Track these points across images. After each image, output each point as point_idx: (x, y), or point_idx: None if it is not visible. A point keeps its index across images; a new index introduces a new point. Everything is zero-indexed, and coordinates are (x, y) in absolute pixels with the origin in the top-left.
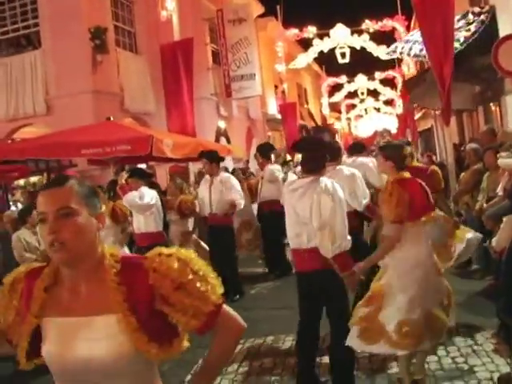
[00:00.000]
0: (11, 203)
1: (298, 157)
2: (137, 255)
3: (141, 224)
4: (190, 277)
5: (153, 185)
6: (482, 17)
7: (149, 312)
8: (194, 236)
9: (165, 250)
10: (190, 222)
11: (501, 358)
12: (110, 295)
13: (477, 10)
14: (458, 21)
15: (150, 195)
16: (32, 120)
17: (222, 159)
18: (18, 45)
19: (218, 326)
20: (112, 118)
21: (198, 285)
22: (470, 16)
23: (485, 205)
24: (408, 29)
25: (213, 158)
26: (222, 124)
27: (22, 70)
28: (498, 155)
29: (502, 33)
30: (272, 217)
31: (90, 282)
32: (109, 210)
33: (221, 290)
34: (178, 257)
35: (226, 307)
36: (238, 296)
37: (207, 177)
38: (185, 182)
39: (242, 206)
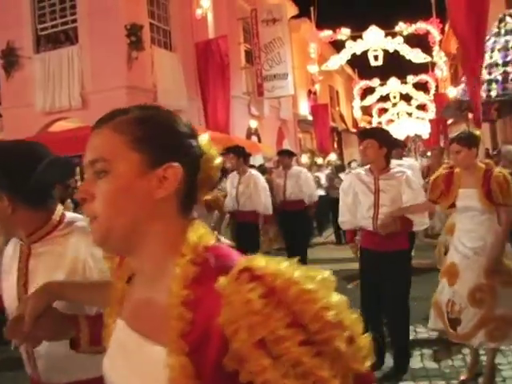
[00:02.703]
0: None
1: (330, 159)
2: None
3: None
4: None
5: None
6: None
7: (214, 367)
8: (216, 233)
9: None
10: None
11: None
12: (167, 317)
13: None
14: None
15: None
16: (67, 114)
17: (249, 155)
18: (56, 40)
19: None
20: None
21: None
22: (508, 19)
23: None
24: (442, 32)
25: (239, 153)
26: (253, 123)
27: (60, 65)
28: None
29: None
30: (296, 216)
31: (151, 284)
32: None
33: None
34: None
35: None
36: None
37: (235, 173)
38: None
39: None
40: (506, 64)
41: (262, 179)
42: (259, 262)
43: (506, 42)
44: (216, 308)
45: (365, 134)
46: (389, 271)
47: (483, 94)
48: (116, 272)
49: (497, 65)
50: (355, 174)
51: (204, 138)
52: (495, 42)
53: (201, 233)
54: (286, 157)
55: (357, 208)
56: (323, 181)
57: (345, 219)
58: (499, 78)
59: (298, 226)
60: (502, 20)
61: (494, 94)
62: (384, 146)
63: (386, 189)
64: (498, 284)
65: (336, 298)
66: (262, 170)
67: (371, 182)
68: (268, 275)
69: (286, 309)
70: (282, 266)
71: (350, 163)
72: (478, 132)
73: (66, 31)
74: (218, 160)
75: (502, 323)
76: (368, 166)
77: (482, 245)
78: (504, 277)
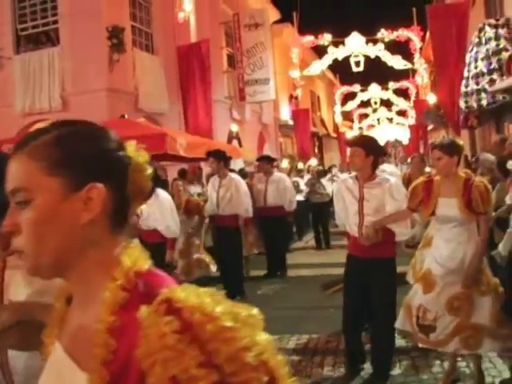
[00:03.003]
0: None
1: (311, 164)
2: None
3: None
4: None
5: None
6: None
7: None
8: (198, 241)
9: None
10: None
11: (504, 363)
12: (92, 343)
13: (493, 22)
14: (476, 36)
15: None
16: (47, 115)
17: (230, 159)
18: (37, 41)
19: None
20: (126, 116)
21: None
22: (487, 28)
23: (493, 213)
24: (423, 40)
25: (220, 157)
26: (234, 127)
27: (40, 66)
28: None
29: None
30: (276, 221)
31: (84, 309)
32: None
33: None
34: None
35: None
36: (238, 297)
37: (215, 177)
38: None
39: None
40: (490, 72)
41: (243, 183)
42: (181, 293)
43: (487, 50)
44: (137, 338)
45: (352, 143)
46: (375, 278)
47: (474, 104)
48: (57, 292)
49: (483, 74)
50: (343, 180)
51: (132, 148)
52: (477, 51)
53: (135, 257)
54: (265, 163)
55: (347, 213)
56: (302, 186)
57: (340, 222)
58: (487, 86)
59: (278, 231)
60: (481, 29)
61: (484, 102)
62: (371, 155)
63: (369, 198)
64: (475, 293)
65: (261, 337)
66: (243, 174)
67: (356, 189)
68: (187, 308)
69: (201, 346)
70: (205, 300)
71: (330, 168)
72: (461, 141)
73: (46, 32)
74: (149, 170)
75: (476, 332)
76: (354, 174)
77: (461, 255)
78: (482, 286)
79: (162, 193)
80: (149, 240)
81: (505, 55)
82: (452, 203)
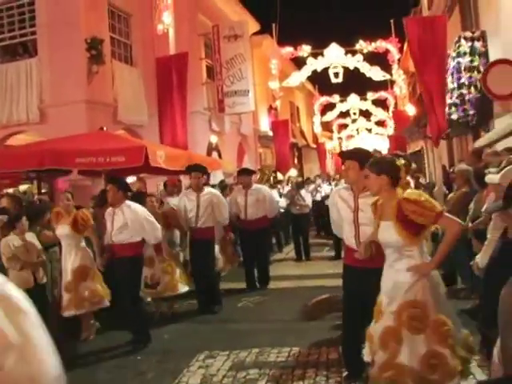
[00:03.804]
0: None
1: (290, 175)
2: None
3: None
4: None
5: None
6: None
7: None
8: (173, 250)
9: None
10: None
11: (483, 373)
12: None
13: (468, 34)
14: (453, 49)
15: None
16: (25, 127)
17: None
18: (14, 52)
19: None
20: (105, 129)
21: None
22: (463, 41)
23: (470, 224)
24: (401, 51)
25: (204, 172)
26: (213, 139)
27: (18, 77)
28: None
29: (492, 57)
30: (257, 234)
31: None
32: (71, 218)
33: None
34: None
35: None
36: (217, 307)
37: (190, 191)
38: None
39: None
40: (460, 87)
41: (220, 196)
42: None
43: (459, 63)
44: None
45: (346, 156)
46: (374, 289)
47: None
48: None
49: (453, 89)
50: (337, 191)
51: None
52: (453, 66)
53: None
54: (244, 175)
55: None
56: (277, 198)
57: (336, 231)
58: (457, 101)
59: (259, 243)
60: (456, 42)
61: (455, 117)
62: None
63: (364, 208)
64: (406, 328)
65: None
66: (223, 186)
67: (351, 199)
68: None
69: None
70: None
71: (307, 179)
72: (400, 161)
73: (24, 43)
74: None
75: (399, 373)
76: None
77: (391, 285)
78: (414, 322)
79: (133, 204)
80: (122, 254)
81: (476, 75)
82: (389, 226)
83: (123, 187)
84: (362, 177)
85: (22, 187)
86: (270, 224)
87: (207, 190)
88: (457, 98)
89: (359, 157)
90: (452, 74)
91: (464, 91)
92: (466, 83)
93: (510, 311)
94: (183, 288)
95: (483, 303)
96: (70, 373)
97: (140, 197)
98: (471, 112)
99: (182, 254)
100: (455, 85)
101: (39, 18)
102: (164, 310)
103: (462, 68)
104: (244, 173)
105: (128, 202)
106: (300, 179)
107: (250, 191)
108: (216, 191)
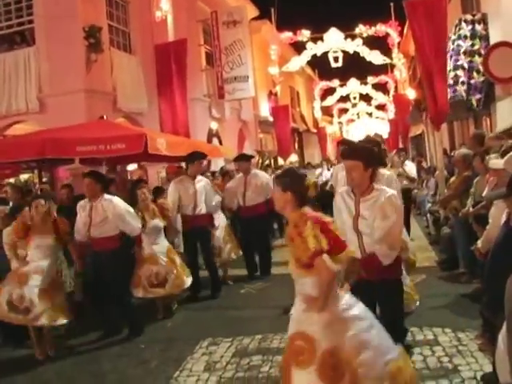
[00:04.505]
0: None
1: (290, 160)
2: None
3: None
4: None
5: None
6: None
7: None
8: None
9: None
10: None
11: (485, 357)
12: None
13: (469, 17)
14: (453, 32)
15: None
16: (24, 117)
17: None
18: (11, 41)
19: None
20: (105, 117)
21: None
22: (463, 24)
23: (471, 209)
24: (401, 35)
25: (204, 158)
26: (214, 125)
27: (16, 67)
28: (486, 158)
29: (493, 39)
30: (257, 220)
31: None
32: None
33: None
34: None
35: None
36: (216, 293)
37: (185, 178)
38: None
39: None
40: (456, 68)
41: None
42: None
43: (458, 46)
44: None
45: (349, 155)
46: (380, 301)
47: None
48: None
49: (449, 70)
50: (341, 192)
51: None
52: (451, 47)
53: None
54: (242, 162)
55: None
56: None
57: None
58: (451, 81)
59: (260, 230)
60: (457, 25)
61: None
62: (370, 167)
63: (365, 214)
64: (294, 362)
65: None
66: (223, 172)
67: (352, 204)
68: None
69: None
70: None
71: (308, 163)
72: (309, 180)
73: (21, 32)
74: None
75: None
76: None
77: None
78: (301, 356)
79: (111, 197)
80: (102, 247)
81: (477, 59)
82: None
83: (101, 180)
84: (367, 177)
85: (23, 177)
86: (270, 209)
87: (199, 177)
88: (451, 79)
89: (364, 156)
90: (451, 57)
91: (459, 73)
92: (467, 66)
93: None
94: (188, 280)
95: (486, 288)
96: (73, 362)
97: (138, 185)
98: (477, 96)
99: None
100: (451, 66)
101: (36, 7)
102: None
103: (462, 51)
104: (242, 159)
105: (106, 196)
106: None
107: (249, 177)
108: (206, 178)
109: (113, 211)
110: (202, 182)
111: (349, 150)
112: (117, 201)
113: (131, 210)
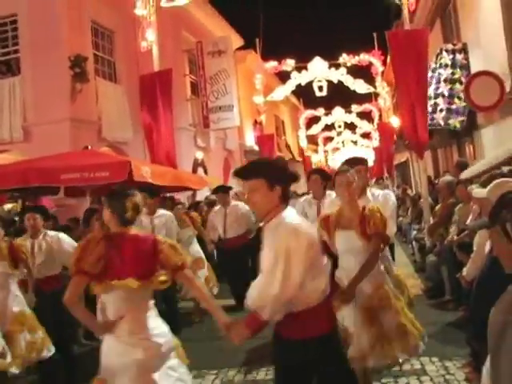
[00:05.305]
0: None
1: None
2: None
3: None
4: None
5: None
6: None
7: None
8: None
9: None
10: None
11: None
12: None
13: (450, 47)
14: (434, 61)
15: None
16: (9, 147)
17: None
18: None
19: None
20: (90, 147)
21: None
22: (444, 54)
23: (455, 237)
24: (384, 63)
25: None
26: (199, 155)
27: (1, 96)
28: (469, 188)
29: (474, 68)
30: (238, 251)
31: None
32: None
33: None
34: None
35: None
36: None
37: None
38: None
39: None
40: (436, 96)
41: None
42: None
43: (439, 74)
44: None
45: (250, 173)
46: None
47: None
48: None
49: (430, 97)
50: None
51: None
52: (431, 76)
53: None
54: (221, 193)
55: None
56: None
57: None
58: (429, 109)
59: (243, 260)
60: (438, 54)
61: None
62: (277, 185)
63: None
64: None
65: None
66: (209, 202)
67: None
68: None
69: None
70: None
71: (293, 193)
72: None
73: (7, 61)
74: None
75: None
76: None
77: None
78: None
79: (54, 232)
80: (49, 288)
81: (458, 87)
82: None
83: (45, 215)
84: (275, 199)
85: (7, 206)
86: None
87: (161, 211)
88: (430, 106)
89: (266, 172)
90: (431, 85)
91: (438, 101)
92: (447, 94)
93: (500, 333)
94: None
95: (472, 318)
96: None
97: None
98: (460, 118)
99: None
100: (432, 94)
101: (22, 37)
102: None
103: (442, 79)
104: (220, 190)
105: (50, 232)
106: None
107: (228, 210)
108: (169, 213)
109: (57, 248)
110: (162, 217)
111: (247, 168)
112: (59, 235)
113: (75, 244)
